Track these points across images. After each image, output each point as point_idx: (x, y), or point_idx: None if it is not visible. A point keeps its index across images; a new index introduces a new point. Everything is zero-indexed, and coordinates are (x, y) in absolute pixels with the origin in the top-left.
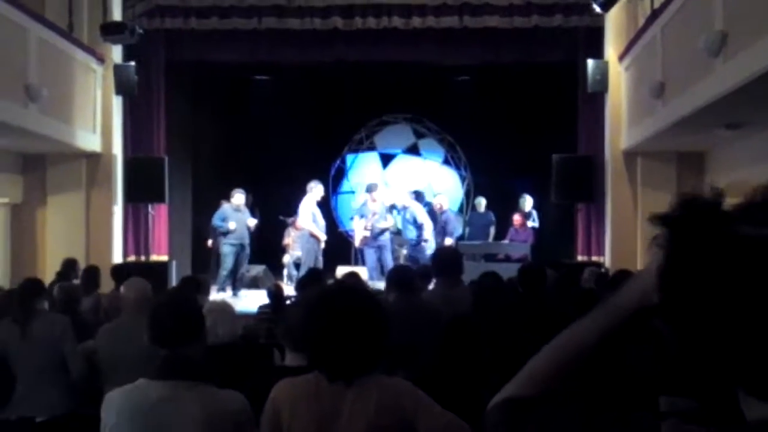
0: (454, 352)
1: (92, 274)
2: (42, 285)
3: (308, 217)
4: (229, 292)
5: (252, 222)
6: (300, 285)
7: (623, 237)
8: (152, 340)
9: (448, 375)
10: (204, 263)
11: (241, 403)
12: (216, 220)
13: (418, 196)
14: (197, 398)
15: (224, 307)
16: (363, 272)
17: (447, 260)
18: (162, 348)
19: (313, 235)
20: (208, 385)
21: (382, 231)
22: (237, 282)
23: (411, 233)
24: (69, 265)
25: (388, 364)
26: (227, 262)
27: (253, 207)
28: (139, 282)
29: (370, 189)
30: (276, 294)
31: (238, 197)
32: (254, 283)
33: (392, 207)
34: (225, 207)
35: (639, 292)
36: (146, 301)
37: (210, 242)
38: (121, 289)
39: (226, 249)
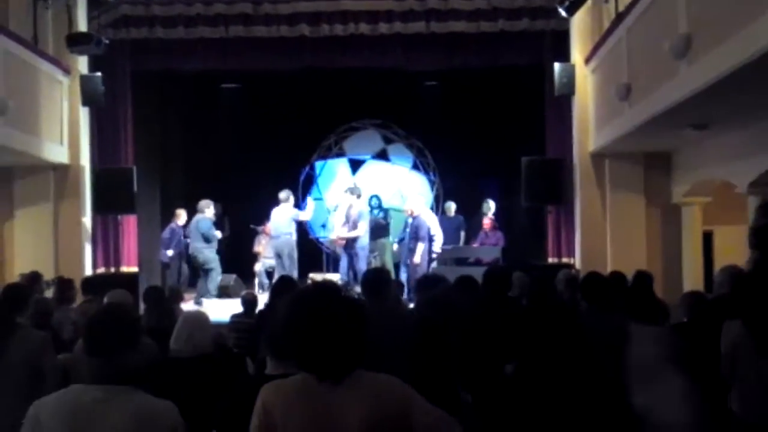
0: (422, 356)
1: (66, 287)
2: (23, 297)
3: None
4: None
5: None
6: (274, 292)
7: (593, 238)
8: (88, 352)
9: (416, 379)
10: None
11: (176, 413)
12: (210, 229)
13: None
14: (130, 402)
15: (200, 317)
16: (335, 279)
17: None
18: (96, 358)
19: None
20: (142, 392)
21: (355, 239)
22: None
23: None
24: (33, 279)
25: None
26: (219, 268)
27: (222, 217)
28: (121, 294)
29: (356, 193)
30: (250, 302)
31: (211, 208)
32: (225, 292)
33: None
34: (209, 216)
35: None
36: None
37: (170, 252)
38: (104, 300)
39: (213, 255)
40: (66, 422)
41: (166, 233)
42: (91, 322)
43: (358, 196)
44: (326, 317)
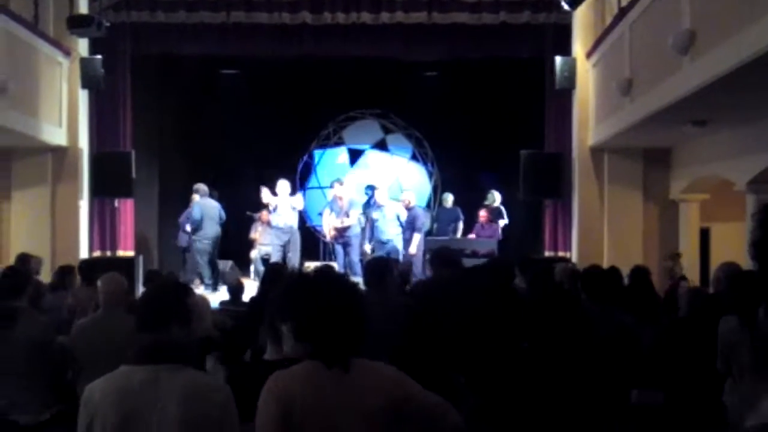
0: (411, 343)
1: (67, 272)
2: (23, 281)
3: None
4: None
5: None
6: (266, 280)
7: (590, 233)
8: (140, 327)
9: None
10: (175, 259)
11: (225, 391)
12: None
13: (374, 191)
14: (179, 381)
15: (202, 301)
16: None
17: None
18: (149, 332)
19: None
20: (192, 368)
21: (346, 228)
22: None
23: (388, 234)
24: (22, 261)
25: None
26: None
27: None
28: (115, 277)
29: (340, 182)
30: (236, 289)
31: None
32: (221, 279)
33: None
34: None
35: None
36: (123, 295)
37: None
38: (98, 284)
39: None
40: (115, 405)
41: (183, 217)
42: (145, 297)
43: (340, 183)
44: (338, 304)
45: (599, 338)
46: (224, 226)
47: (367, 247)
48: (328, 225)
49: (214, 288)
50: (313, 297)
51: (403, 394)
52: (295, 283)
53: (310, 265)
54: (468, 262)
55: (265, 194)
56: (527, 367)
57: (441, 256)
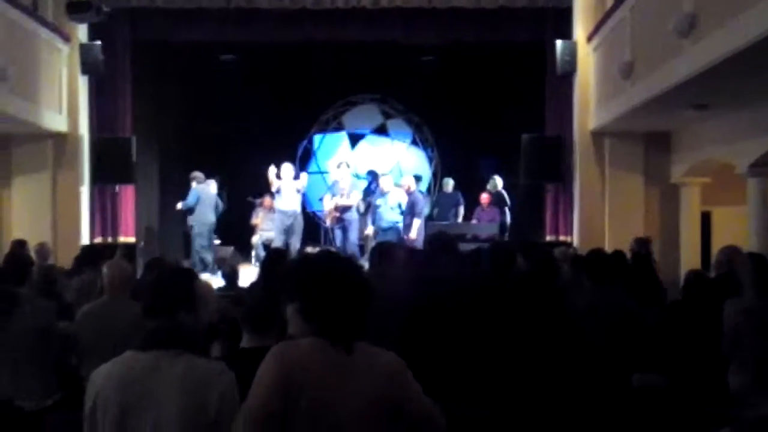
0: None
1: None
2: (25, 268)
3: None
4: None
5: None
6: (265, 266)
7: (591, 216)
8: (147, 311)
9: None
10: (176, 245)
11: (226, 379)
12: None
13: (375, 176)
14: (181, 367)
15: (207, 287)
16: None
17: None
18: (155, 318)
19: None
20: (195, 354)
21: (347, 208)
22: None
23: (388, 221)
24: (19, 247)
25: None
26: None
27: (221, 190)
28: (121, 263)
29: (346, 165)
30: (231, 276)
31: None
32: (222, 265)
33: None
34: None
35: None
36: (129, 281)
37: None
38: (103, 270)
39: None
40: (118, 391)
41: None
42: (153, 282)
43: (339, 166)
44: (346, 284)
45: (600, 324)
46: (221, 216)
47: (370, 230)
48: (329, 208)
49: (214, 272)
50: (321, 276)
51: (403, 389)
52: (302, 263)
53: (312, 251)
54: (469, 247)
55: (271, 173)
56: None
57: (437, 241)
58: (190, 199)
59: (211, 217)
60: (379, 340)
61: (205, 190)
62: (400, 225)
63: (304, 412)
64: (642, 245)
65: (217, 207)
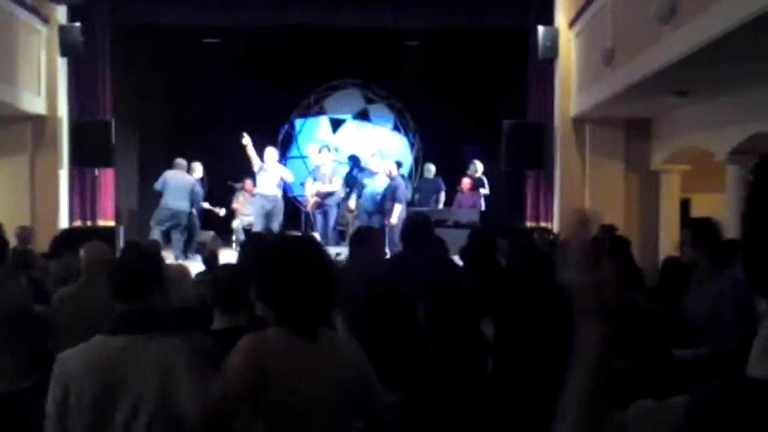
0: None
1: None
2: (2, 249)
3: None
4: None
5: None
6: (244, 249)
7: (572, 203)
8: (115, 295)
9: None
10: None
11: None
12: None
13: (355, 161)
14: (154, 350)
15: (182, 271)
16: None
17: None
18: (123, 302)
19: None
20: (166, 334)
21: (328, 194)
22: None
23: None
24: None
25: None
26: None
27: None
28: (99, 245)
29: (327, 150)
30: (211, 260)
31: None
32: (201, 250)
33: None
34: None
35: None
36: (106, 264)
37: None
38: (81, 252)
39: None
40: (92, 375)
41: None
42: (118, 264)
43: (321, 151)
44: (308, 270)
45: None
46: (195, 203)
47: (352, 203)
48: (310, 193)
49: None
50: (278, 262)
51: (366, 379)
52: (263, 247)
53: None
54: (450, 233)
55: (246, 140)
56: (503, 332)
57: (414, 228)
58: (157, 183)
59: (176, 204)
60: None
61: (175, 176)
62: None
63: (271, 401)
64: (606, 233)
65: (192, 193)
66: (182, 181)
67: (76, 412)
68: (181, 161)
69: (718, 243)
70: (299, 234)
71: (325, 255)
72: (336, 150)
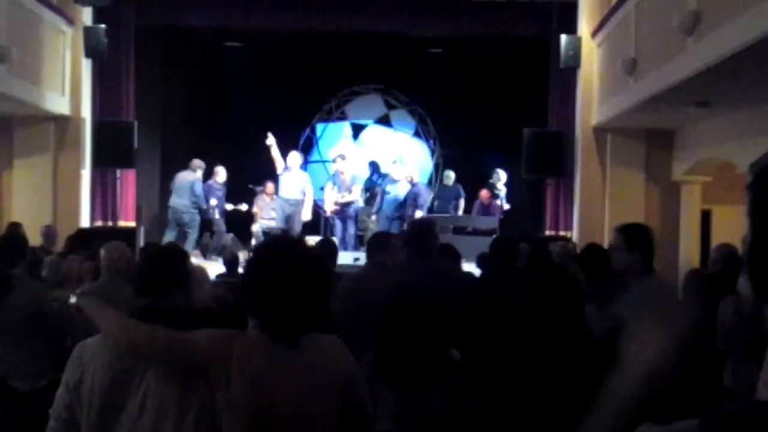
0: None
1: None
2: (20, 249)
3: None
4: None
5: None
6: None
7: (591, 212)
8: (138, 291)
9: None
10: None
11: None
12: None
13: (375, 167)
14: None
15: (200, 271)
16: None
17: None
18: (146, 297)
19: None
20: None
21: (348, 204)
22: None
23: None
24: (14, 228)
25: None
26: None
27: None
28: (119, 245)
29: (342, 158)
30: (232, 262)
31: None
32: (223, 252)
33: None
34: (199, 177)
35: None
36: (126, 264)
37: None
38: (101, 252)
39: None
40: (106, 365)
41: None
42: (144, 261)
43: (342, 158)
44: (286, 273)
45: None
46: (196, 202)
47: (373, 218)
48: (329, 199)
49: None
50: (263, 269)
51: (351, 386)
52: (254, 253)
53: (311, 240)
54: (469, 240)
55: (271, 140)
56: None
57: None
58: (171, 184)
59: (174, 202)
60: (371, 331)
61: (180, 176)
62: None
63: (240, 407)
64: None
65: (192, 191)
66: (184, 180)
67: (89, 398)
68: (195, 162)
69: (651, 248)
70: (287, 236)
71: (312, 259)
72: (342, 158)
